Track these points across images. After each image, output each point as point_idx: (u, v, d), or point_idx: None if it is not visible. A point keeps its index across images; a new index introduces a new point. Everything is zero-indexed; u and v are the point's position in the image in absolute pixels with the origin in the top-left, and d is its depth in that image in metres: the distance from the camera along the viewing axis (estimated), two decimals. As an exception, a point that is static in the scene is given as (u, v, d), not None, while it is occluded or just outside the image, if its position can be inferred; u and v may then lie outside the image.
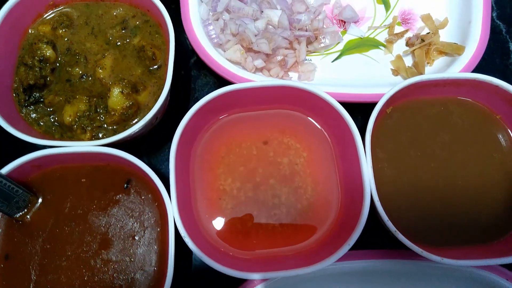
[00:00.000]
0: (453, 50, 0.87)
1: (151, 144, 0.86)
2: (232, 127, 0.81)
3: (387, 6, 0.96)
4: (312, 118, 0.81)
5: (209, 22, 0.87)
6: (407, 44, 0.93)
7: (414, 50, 0.90)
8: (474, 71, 0.85)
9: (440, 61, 0.90)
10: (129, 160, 0.68)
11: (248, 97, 0.77)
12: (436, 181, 0.75)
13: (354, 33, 0.93)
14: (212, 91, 0.90)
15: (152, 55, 0.78)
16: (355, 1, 0.96)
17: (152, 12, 0.80)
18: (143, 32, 0.81)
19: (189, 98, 0.90)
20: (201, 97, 0.89)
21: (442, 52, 0.90)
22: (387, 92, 0.73)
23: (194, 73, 0.92)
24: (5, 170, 0.67)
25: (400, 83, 0.74)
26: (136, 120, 0.76)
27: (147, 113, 0.75)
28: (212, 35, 0.87)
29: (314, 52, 0.92)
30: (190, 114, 0.71)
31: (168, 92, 0.72)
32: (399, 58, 0.90)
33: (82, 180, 0.72)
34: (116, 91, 0.74)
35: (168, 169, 0.68)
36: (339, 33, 0.92)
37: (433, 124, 0.78)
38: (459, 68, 0.85)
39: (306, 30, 0.88)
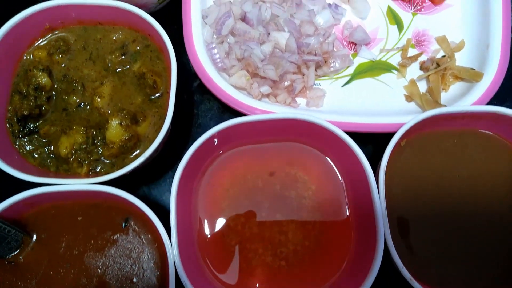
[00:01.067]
0: (471, 76, 0.83)
1: (151, 174, 0.82)
2: (236, 158, 0.77)
3: (400, 27, 0.91)
4: (321, 150, 0.77)
5: (213, 45, 0.83)
6: (421, 68, 0.88)
7: (429, 75, 0.85)
8: (493, 98, 0.81)
9: (456, 86, 0.86)
10: (127, 199, 0.64)
11: (253, 129, 0.73)
12: (455, 220, 0.71)
13: (365, 56, 0.88)
14: (216, 116, 0.87)
15: (153, 84, 0.74)
16: (367, 22, 0.91)
17: (153, 36, 0.76)
18: (143, 58, 0.77)
19: (191, 124, 0.86)
20: (204, 124, 0.86)
21: (458, 77, 0.85)
22: (402, 126, 0.68)
23: (197, 98, 0.88)
24: (-3, 209, 0.63)
25: (417, 116, 0.69)
26: (136, 152, 0.72)
27: (147, 144, 0.72)
28: (216, 59, 0.83)
29: (323, 76, 0.87)
30: (192, 150, 0.67)
31: (169, 125, 0.68)
32: (412, 83, 0.86)
33: (78, 218, 0.68)
34: (114, 123, 0.70)
35: (169, 200, 0.64)
36: (350, 56, 0.88)
37: (450, 158, 0.74)
38: (477, 96, 0.81)
39: (315, 54, 0.83)
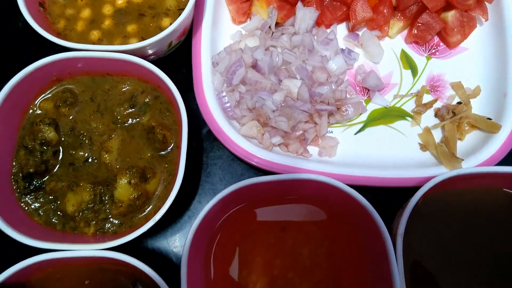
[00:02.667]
0: (488, 127, 0.81)
1: (157, 225, 0.80)
2: (247, 214, 0.75)
3: (414, 71, 0.89)
4: (335, 208, 0.75)
5: (224, 94, 0.81)
6: (436, 115, 0.86)
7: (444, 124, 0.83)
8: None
9: (472, 135, 0.83)
10: (135, 265, 0.62)
11: (265, 188, 0.71)
12: (477, 283, 0.68)
13: (378, 102, 0.86)
14: (226, 165, 0.85)
15: (162, 139, 0.72)
16: (380, 66, 0.89)
17: (162, 88, 0.74)
18: (153, 110, 0.75)
19: (200, 173, 0.84)
20: (214, 172, 0.84)
21: (474, 126, 0.83)
22: (418, 190, 0.66)
23: (206, 145, 0.86)
24: (2, 277, 0.61)
25: (435, 178, 0.67)
26: (145, 211, 0.70)
27: (157, 202, 0.70)
28: (226, 108, 0.81)
29: (335, 123, 0.85)
30: (200, 218, 0.65)
31: (180, 186, 0.66)
32: (427, 132, 0.83)
33: (85, 281, 0.66)
34: (123, 181, 0.68)
35: (176, 251, 0.63)
36: (363, 103, 0.86)
37: (471, 218, 0.71)
38: (494, 149, 0.79)
39: (328, 103, 0.81)
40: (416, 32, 0.88)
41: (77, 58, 0.72)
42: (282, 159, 0.78)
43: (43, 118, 0.73)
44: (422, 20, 0.87)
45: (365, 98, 0.87)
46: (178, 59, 0.88)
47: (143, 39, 0.79)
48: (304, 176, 0.68)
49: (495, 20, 0.89)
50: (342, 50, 0.87)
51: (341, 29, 0.92)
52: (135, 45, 0.72)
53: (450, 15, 0.86)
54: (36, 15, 0.76)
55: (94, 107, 0.75)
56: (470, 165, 0.77)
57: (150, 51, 0.77)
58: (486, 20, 0.89)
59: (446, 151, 0.79)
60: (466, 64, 0.89)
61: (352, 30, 0.89)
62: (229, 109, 0.81)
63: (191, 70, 0.84)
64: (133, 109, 0.75)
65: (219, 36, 0.88)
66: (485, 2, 0.87)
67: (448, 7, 0.87)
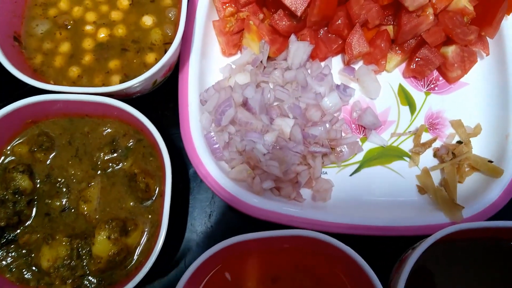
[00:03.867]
0: (489, 171, 0.77)
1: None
2: (237, 266, 0.71)
3: (412, 108, 0.85)
4: (330, 258, 0.70)
5: (212, 134, 0.77)
6: (435, 155, 0.82)
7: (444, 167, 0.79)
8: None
9: (473, 177, 0.80)
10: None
11: (255, 242, 0.66)
12: None
13: (375, 141, 0.82)
14: (214, 208, 0.80)
15: (145, 188, 0.67)
16: (377, 102, 0.85)
17: (145, 131, 0.70)
18: (135, 154, 0.70)
19: (186, 216, 0.79)
20: (201, 216, 0.80)
21: (475, 168, 0.79)
22: (416, 249, 0.62)
23: (194, 185, 0.81)
24: None
25: (436, 233, 0.63)
26: (126, 268, 0.65)
27: (138, 257, 0.65)
28: (215, 149, 0.76)
29: (330, 164, 0.81)
30: (187, 276, 0.60)
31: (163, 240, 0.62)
32: (426, 173, 0.80)
33: None
34: (102, 236, 0.63)
35: None
36: (359, 142, 0.81)
37: (473, 272, 0.68)
38: (496, 194, 0.75)
39: (322, 145, 0.77)
40: (414, 67, 0.84)
41: (53, 101, 0.67)
42: (274, 205, 0.73)
43: (17, 165, 0.68)
44: (421, 55, 0.83)
45: (361, 136, 0.83)
46: (165, 92, 0.84)
47: (126, 76, 0.75)
48: (296, 233, 0.63)
49: (497, 55, 0.85)
50: (337, 86, 0.82)
51: (336, 62, 0.87)
52: (116, 87, 0.67)
53: (451, 50, 0.82)
54: (9, 50, 0.71)
55: (72, 151, 0.70)
56: (470, 212, 0.73)
57: (133, 91, 0.72)
58: (487, 54, 0.85)
59: (445, 197, 0.75)
60: (466, 100, 0.85)
61: (347, 64, 0.85)
62: (217, 150, 0.76)
63: (178, 104, 0.79)
64: (114, 154, 0.70)
65: (208, 68, 0.84)
66: (486, 37, 0.83)
67: (448, 41, 0.83)
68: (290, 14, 0.81)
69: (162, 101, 0.85)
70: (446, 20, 0.80)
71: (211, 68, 0.84)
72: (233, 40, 0.84)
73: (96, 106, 0.69)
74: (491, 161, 0.78)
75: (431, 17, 0.79)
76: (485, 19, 0.80)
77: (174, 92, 0.81)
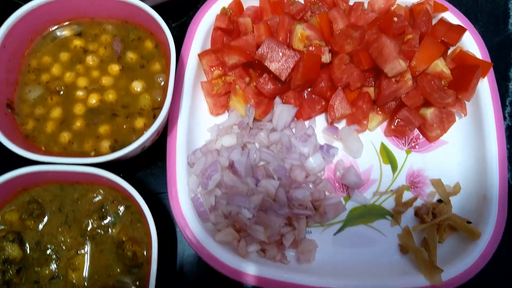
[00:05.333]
0: (468, 232, 0.79)
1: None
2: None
3: (394, 166, 0.88)
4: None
5: (199, 197, 0.79)
6: (416, 214, 0.84)
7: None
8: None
9: (452, 237, 0.82)
10: None
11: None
12: None
13: (358, 200, 0.85)
14: (201, 268, 0.82)
15: (132, 256, 0.68)
16: (360, 160, 0.88)
17: (132, 199, 0.71)
18: (123, 221, 0.72)
19: (174, 276, 0.81)
20: (189, 273, 0.81)
21: (454, 228, 0.82)
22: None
23: (181, 247, 0.83)
24: None
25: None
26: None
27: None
28: (201, 211, 0.78)
29: (315, 223, 0.83)
30: None
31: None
32: (407, 233, 0.82)
33: None
34: (89, 308, 0.64)
35: None
36: (342, 202, 0.84)
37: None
38: (474, 257, 0.77)
39: (306, 207, 0.79)
40: (395, 127, 0.87)
41: (44, 172, 0.69)
42: (258, 269, 0.75)
43: (7, 234, 0.69)
44: (401, 116, 0.86)
45: (344, 195, 0.86)
46: (153, 150, 0.86)
47: (115, 141, 0.77)
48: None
49: (474, 114, 0.89)
50: (321, 146, 0.85)
51: (320, 120, 0.90)
52: (105, 157, 0.70)
53: (429, 112, 0.86)
54: (2, 119, 0.73)
55: (62, 218, 0.72)
56: (449, 275, 0.76)
57: (122, 158, 0.74)
58: (465, 115, 0.88)
59: (426, 259, 0.78)
60: (446, 158, 0.89)
61: (331, 123, 0.88)
62: (204, 213, 0.78)
63: (165, 162, 0.82)
64: (103, 221, 0.72)
65: (196, 127, 0.86)
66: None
67: (427, 103, 0.86)
68: (275, 77, 0.84)
69: (151, 159, 0.87)
70: (425, 84, 0.84)
71: (199, 127, 0.87)
72: (220, 101, 0.87)
73: (86, 175, 0.70)
74: (469, 222, 0.81)
75: (410, 82, 0.82)
76: (461, 83, 0.84)
77: (163, 150, 0.83)
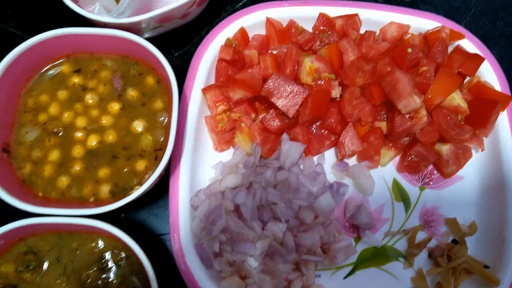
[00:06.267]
0: (485, 278, 0.76)
1: None
2: None
3: (407, 204, 0.84)
4: None
5: (202, 242, 0.75)
6: (430, 256, 0.81)
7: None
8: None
9: (468, 282, 0.78)
10: None
11: None
12: None
13: (369, 242, 0.81)
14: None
15: (132, 312, 0.66)
16: (371, 197, 0.84)
17: (133, 250, 0.68)
18: (124, 272, 0.70)
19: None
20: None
21: (470, 272, 0.78)
22: None
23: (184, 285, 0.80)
24: None
25: None
26: None
27: None
28: (205, 258, 0.75)
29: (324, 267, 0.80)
30: None
31: None
32: (421, 277, 0.78)
33: None
34: None
35: None
36: (352, 244, 0.80)
37: None
38: (493, 306, 0.73)
39: (315, 253, 0.76)
40: (408, 163, 0.83)
41: (40, 224, 0.66)
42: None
43: (3, 287, 0.67)
44: (415, 152, 0.82)
45: (355, 235, 0.82)
46: (155, 189, 0.82)
47: (115, 185, 0.74)
48: None
49: (492, 149, 0.84)
50: (331, 185, 0.81)
51: (329, 154, 0.86)
52: (105, 208, 0.67)
53: (445, 149, 0.82)
54: (-2, 165, 0.71)
55: (61, 269, 0.69)
56: (466, 326, 0.72)
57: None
58: (482, 150, 0.84)
59: (440, 306, 0.74)
60: (461, 195, 0.84)
61: (341, 159, 0.84)
62: (208, 260, 0.75)
63: (168, 203, 0.79)
64: (102, 273, 0.69)
65: (200, 164, 0.83)
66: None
67: (442, 139, 0.82)
68: (282, 113, 0.80)
69: (152, 197, 0.84)
70: (440, 119, 0.79)
71: (203, 163, 0.84)
72: (225, 138, 0.83)
73: (85, 226, 0.68)
74: (487, 266, 0.77)
75: (425, 119, 0.78)
76: (479, 119, 0.79)
77: (165, 188, 0.80)
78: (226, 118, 0.83)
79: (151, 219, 0.83)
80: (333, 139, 0.84)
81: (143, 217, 0.83)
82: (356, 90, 0.82)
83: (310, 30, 0.90)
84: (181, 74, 0.89)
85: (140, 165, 0.75)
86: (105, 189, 0.74)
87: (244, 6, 0.98)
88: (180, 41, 0.94)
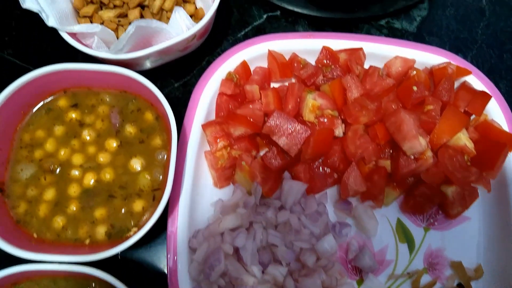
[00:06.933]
0: (492, 327, 0.73)
1: None
2: None
3: (411, 246, 0.82)
4: None
5: (200, 286, 0.73)
6: (435, 302, 0.78)
7: (444, 319, 0.75)
8: None
9: (474, 328, 0.76)
10: None
11: None
12: None
13: (372, 285, 0.78)
14: None
15: None
16: (374, 239, 0.82)
17: (130, 295, 0.66)
18: (119, 319, 0.67)
19: None
20: None
21: (477, 319, 0.76)
22: None
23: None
24: None
25: None
26: None
27: None
28: (204, 302, 0.73)
29: (324, 311, 0.77)
30: None
31: None
32: (425, 324, 0.76)
33: None
34: None
35: None
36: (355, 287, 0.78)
37: None
38: None
39: (317, 299, 0.73)
40: (413, 203, 0.81)
41: (33, 271, 0.64)
42: None
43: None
44: (420, 193, 0.80)
45: (357, 278, 0.80)
46: (151, 229, 0.80)
47: (112, 227, 0.72)
48: None
49: (499, 190, 0.82)
50: (333, 226, 0.79)
51: (331, 192, 0.84)
52: (101, 255, 0.65)
53: (451, 190, 0.79)
54: (-9, 205, 0.69)
55: (54, 317, 0.67)
56: None
57: (118, 249, 0.69)
58: (489, 191, 0.82)
59: None
60: (467, 236, 0.82)
61: (344, 198, 0.82)
62: (207, 304, 0.73)
63: (165, 241, 0.76)
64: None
65: (199, 200, 0.81)
66: (488, 176, 0.81)
67: (448, 180, 0.80)
68: (284, 151, 0.78)
69: (150, 235, 0.82)
70: (446, 161, 0.77)
71: (202, 200, 0.81)
72: (225, 174, 0.81)
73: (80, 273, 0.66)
74: (493, 313, 0.75)
75: (431, 160, 0.76)
76: (486, 162, 0.77)
77: (163, 224, 0.78)
78: (226, 155, 0.81)
79: (148, 259, 0.81)
80: (335, 176, 0.82)
81: (139, 257, 0.81)
82: (359, 128, 0.80)
83: (313, 62, 0.88)
84: (181, 106, 0.88)
85: (138, 205, 0.73)
86: (101, 231, 0.72)
87: (246, 35, 0.96)
88: (180, 71, 0.92)
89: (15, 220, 0.72)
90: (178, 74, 0.92)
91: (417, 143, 0.74)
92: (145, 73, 0.82)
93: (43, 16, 0.72)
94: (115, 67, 0.73)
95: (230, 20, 0.96)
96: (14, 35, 0.93)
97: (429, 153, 0.76)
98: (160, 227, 0.79)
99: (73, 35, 0.77)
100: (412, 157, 0.76)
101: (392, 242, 0.82)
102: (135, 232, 0.69)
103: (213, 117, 0.85)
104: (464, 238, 0.82)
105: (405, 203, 0.82)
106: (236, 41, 0.94)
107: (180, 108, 0.88)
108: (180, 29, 0.77)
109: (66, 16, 0.77)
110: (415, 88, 0.79)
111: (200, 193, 0.82)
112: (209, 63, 0.92)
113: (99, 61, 0.77)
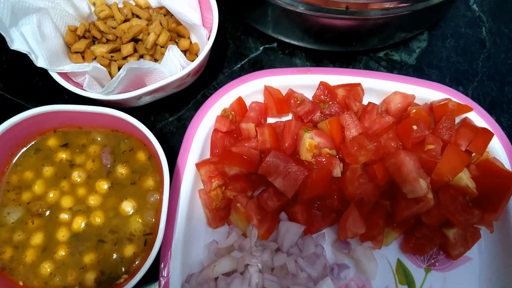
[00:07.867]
0: None
1: None
2: None
3: (412, 287, 0.79)
4: None
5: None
6: None
7: None
8: None
9: None
10: None
11: None
12: None
13: (371, 331, 0.76)
14: None
15: None
16: (374, 281, 0.79)
17: None
18: None
19: None
20: None
21: None
22: None
23: None
24: None
25: None
26: None
27: None
28: None
29: None
30: None
31: None
32: None
33: None
34: None
35: None
36: (354, 334, 0.75)
37: None
38: None
39: None
40: (413, 244, 0.78)
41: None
42: None
43: None
44: (420, 234, 0.77)
45: (357, 324, 0.77)
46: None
47: (101, 273, 0.70)
48: None
49: (501, 230, 0.80)
50: (331, 269, 0.77)
51: (329, 231, 0.82)
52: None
53: (452, 232, 0.77)
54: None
55: None
56: None
57: (108, 298, 0.66)
58: (492, 232, 0.79)
59: None
60: (470, 277, 0.80)
61: (342, 239, 0.79)
62: None
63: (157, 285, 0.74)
64: None
65: (193, 241, 0.78)
66: (491, 218, 0.78)
67: (449, 222, 0.77)
68: (280, 192, 0.76)
69: (140, 283, 0.79)
70: (448, 203, 0.75)
71: (196, 241, 0.79)
72: (219, 215, 0.79)
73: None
74: None
75: (432, 202, 0.74)
76: (489, 203, 0.75)
77: (154, 269, 0.75)
78: (221, 194, 0.79)
79: (141, 300, 0.78)
80: (334, 216, 0.79)
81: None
82: (358, 168, 0.77)
83: (310, 97, 0.86)
84: (175, 141, 0.86)
85: (128, 250, 0.71)
86: (90, 277, 0.69)
87: (243, 67, 0.94)
88: (174, 105, 0.90)
89: (0, 267, 0.69)
90: (173, 108, 0.90)
91: (417, 186, 0.71)
92: (139, 108, 0.80)
93: (32, 57, 0.70)
94: (105, 109, 0.71)
95: (226, 52, 0.94)
96: (5, 69, 0.91)
97: (430, 195, 0.74)
98: (151, 271, 0.76)
99: (63, 74, 0.75)
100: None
101: (392, 283, 0.79)
102: (125, 279, 0.67)
103: (207, 153, 0.83)
104: (467, 279, 0.80)
105: (406, 243, 0.80)
106: (232, 74, 0.93)
107: (174, 143, 0.87)
108: (174, 67, 0.75)
109: (56, 54, 0.75)
110: (415, 127, 0.77)
111: (194, 233, 0.79)
112: (204, 96, 0.90)
113: (90, 99, 0.75)
